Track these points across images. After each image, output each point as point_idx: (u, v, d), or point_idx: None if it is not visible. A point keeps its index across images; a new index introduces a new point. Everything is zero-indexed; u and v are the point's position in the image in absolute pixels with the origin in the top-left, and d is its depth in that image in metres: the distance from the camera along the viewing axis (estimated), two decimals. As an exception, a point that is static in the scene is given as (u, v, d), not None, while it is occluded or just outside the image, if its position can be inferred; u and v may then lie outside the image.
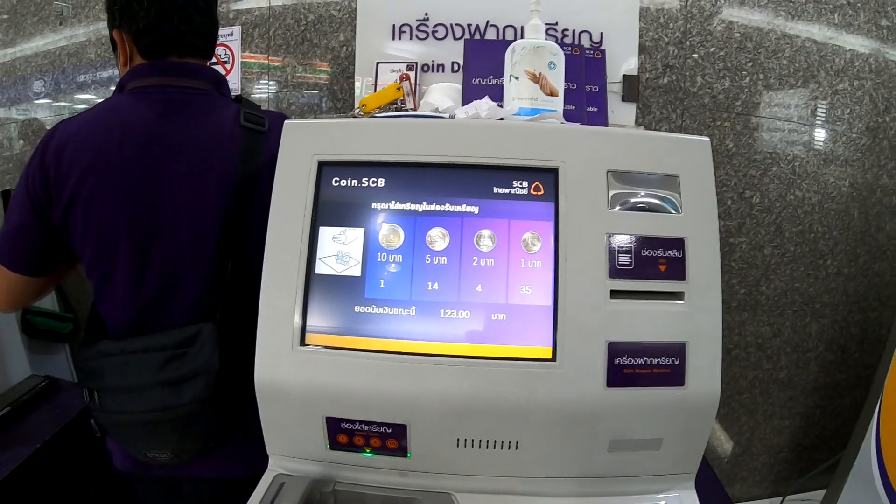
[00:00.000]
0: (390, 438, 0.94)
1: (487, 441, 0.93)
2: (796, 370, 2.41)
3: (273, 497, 0.91)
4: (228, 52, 2.10)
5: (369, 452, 0.96)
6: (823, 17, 2.13)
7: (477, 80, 1.46)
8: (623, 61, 1.66)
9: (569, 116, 1.12)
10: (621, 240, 0.92)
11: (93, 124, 1.13)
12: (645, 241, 0.93)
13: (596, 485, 0.98)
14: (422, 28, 1.69)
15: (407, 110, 1.35)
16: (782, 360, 2.38)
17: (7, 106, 2.34)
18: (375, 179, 0.96)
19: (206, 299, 1.13)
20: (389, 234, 0.94)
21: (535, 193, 0.94)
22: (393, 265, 0.94)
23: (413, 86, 1.37)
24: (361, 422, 0.93)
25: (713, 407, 0.94)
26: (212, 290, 1.13)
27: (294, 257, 0.93)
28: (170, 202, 1.11)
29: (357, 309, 0.93)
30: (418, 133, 0.99)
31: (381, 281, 0.93)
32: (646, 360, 0.90)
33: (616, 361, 0.90)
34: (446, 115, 1.13)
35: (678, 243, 0.93)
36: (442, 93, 1.39)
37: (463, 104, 1.23)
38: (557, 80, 1.11)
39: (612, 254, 0.92)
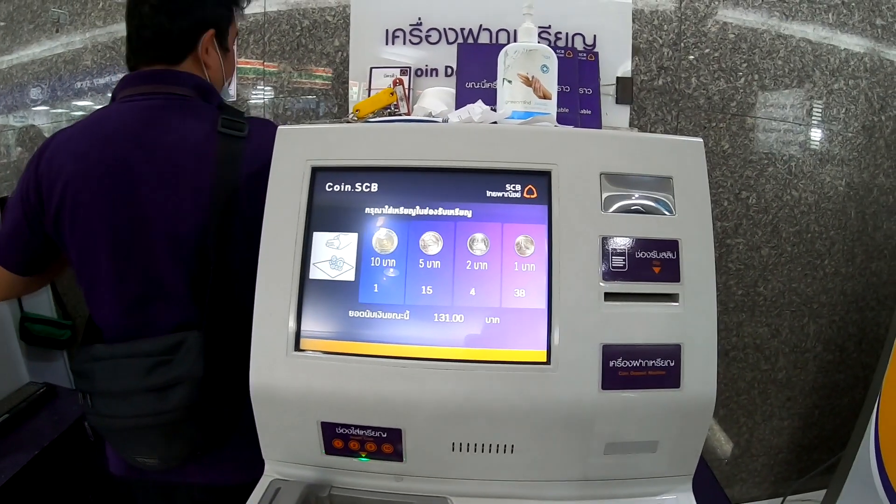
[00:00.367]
0: (385, 443, 0.94)
1: (483, 445, 0.93)
2: (795, 371, 2.41)
3: (269, 502, 0.91)
4: (223, 58, 2.08)
5: (365, 457, 0.95)
6: (818, 17, 2.14)
7: (470, 84, 1.46)
8: (616, 64, 1.66)
9: (562, 119, 1.12)
10: (615, 242, 0.92)
11: (82, 133, 1.15)
12: (639, 243, 0.93)
13: (592, 488, 0.98)
14: (415, 33, 1.69)
15: (400, 115, 1.35)
16: (780, 360, 2.38)
17: (4, 113, 2.34)
18: (369, 184, 0.96)
19: (189, 306, 1.13)
20: (383, 238, 0.94)
21: (528, 196, 0.94)
22: (387, 270, 0.93)
23: (407, 90, 1.38)
24: (357, 426, 0.93)
25: (709, 408, 0.93)
26: (195, 296, 1.13)
27: (288, 262, 0.93)
28: (146, 209, 1.11)
29: (351, 314, 0.92)
30: (411, 137, 0.99)
31: (376, 286, 0.93)
32: (641, 363, 0.90)
33: (611, 364, 0.89)
34: (440, 120, 1.13)
35: (672, 245, 0.93)
36: (435, 97, 1.39)
37: (457, 108, 1.23)
38: (550, 83, 1.11)
39: (606, 256, 0.92)
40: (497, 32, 1.69)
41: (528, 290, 0.92)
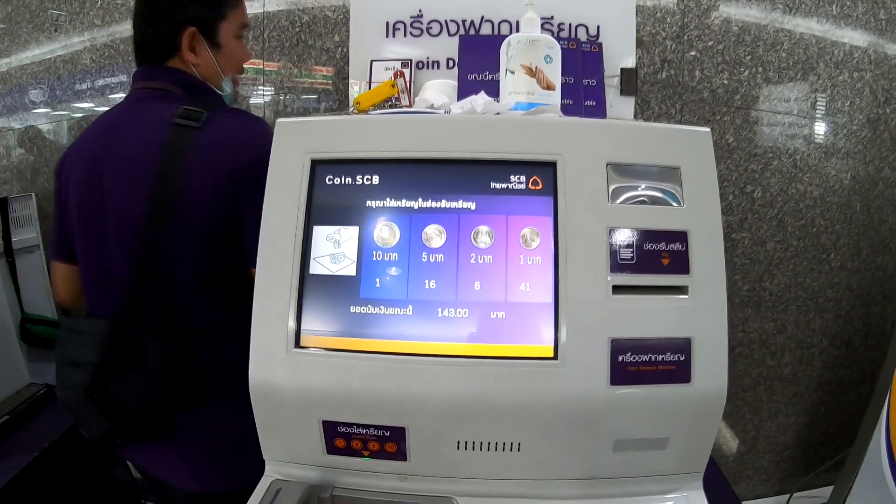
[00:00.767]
0: (389, 442, 0.92)
1: (489, 443, 0.91)
2: (800, 366, 2.40)
3: (269, 503, 0.89)
4: (223, 55, 2.07)
5: (367, 456, 0.94)
6: (821, 9, 2.12)
7: (472, 76, 1.44)
8: (621, 55, 1.63)
9: (567, 111, 1.10)
10: (622, 234, 0.90)
11: (88, 130, 1.25)
12: (647, 235, 0.90)
13: (601, 486, 0.96)
14: (416, 25, 1.67)
15: (402, 108, 1.32)
16: (786, 356, 2.37)
17: (6, 115, 2.34)
18: (370, 177, 0.94)
19: (126, 293, 1.16)
20: (385, 232, 0.92)
21: (533, 188, 0.92)
22: (389, 264, 0.91)
23: (408, 83, 1.35)
24: (359, 425, 0.91)
25: (720, 404, 0.91)
26: (134, 282, 1.16)
27: (288, 257, 0.91)
28: (106, 195, 1.17)
29: (353, 309, 0.90)
30: (413, 129, 0.97)
31: (377, 280, 0.91)
32: (650, 357, 0.88)
33: (620, 359, 0.87)
34: (441, 112, 1.11)
35: (681, 236, 0.91)
36: (437, 89, 1.37)
37: (458, 100, 1.21)
38: (554, 73, 1.09)
39: (614, 248, 0.89)
40: (499, 24, 1.67)
41: (533, 283, 0.89)
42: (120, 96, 2.13)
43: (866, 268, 2.35)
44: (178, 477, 1.25)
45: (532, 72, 1.07)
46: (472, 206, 0.92)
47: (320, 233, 0.93)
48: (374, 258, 0.91)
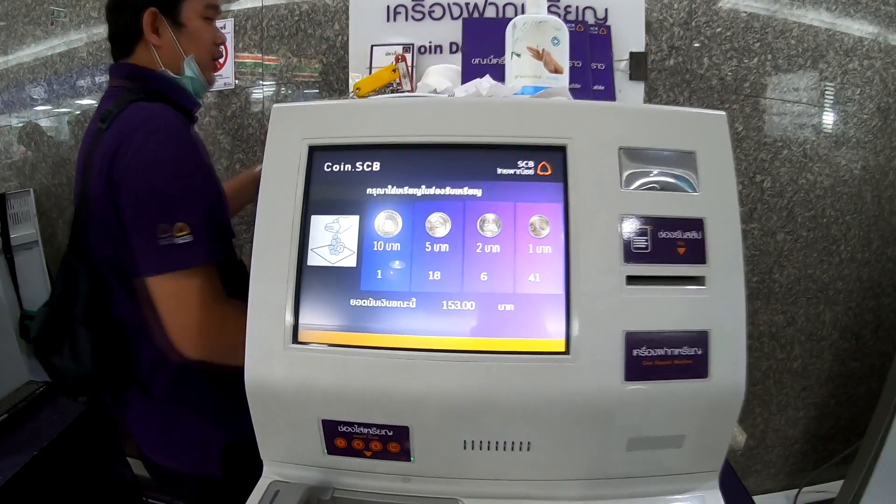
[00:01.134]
0: (392, 441, 0.88)
1: (497, 442, 0.88)
2: (810, 359, 2.37)
3: (268, 505, 0.87)
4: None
5: (370, 457, 0.90)
6: (831, -4, 2.07)
7: (476, 61, 1.40)
8: (629, 38, 1.59)
9: (575, 95, 1.07)
10: (636, 221, 0.86)
11: None
12: (662, 223, 0.86)
13: (613, 486, 0.92)
14: (417, 8, 1.62)
15: (403, 93, 1.28)
16: (796, 349, 2.34)
17: (7, 113, 2.34)
18: (370, 163, 0.90)
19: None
20: (386, 221, 0.88)
21: (542, 174, 0.88)
22: (391, 254, 0.88)
23: (409, 68, 1.31)
24: (360, 424, 0.88)
25: (738, 399, 0.88)
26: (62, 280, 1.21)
27: (284, 248, 0.88)
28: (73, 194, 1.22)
29: (353, 302, 0.87)
30: (415, 113, 0.93)
31: (379, 272, 0.87)
32: (666, 351, 0.84)
33: (634, 353, 0.83)
34: (445, 96, 1.07)
35: (697, 224, 0.87)
36: (440, 74, 1.32)
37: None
38: (562, 56, 1.06)
39: (627, 237, 0.85)
40: (504, 6, 1.62)
41: (543, 274, 0.85)
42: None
43: (877, 259, 2.32)
44: (143, 441, 1.30)
45: (539, 54, 1.04)
46: (478, 193, 0.88)
47: (318, 222, 0.89)
48: (376, 248, 0.88)
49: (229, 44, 2.06)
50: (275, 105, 0.94)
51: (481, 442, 0.88)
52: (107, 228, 1.11)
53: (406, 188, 0.89)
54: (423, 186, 0.89)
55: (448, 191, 0.89)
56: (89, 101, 2.26)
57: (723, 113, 0.92)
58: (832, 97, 2.17)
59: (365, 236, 0.88)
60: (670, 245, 0.86)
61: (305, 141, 0.91)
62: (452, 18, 1.60)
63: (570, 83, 1.10)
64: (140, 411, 1.27)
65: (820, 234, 2.23)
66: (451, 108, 0.94)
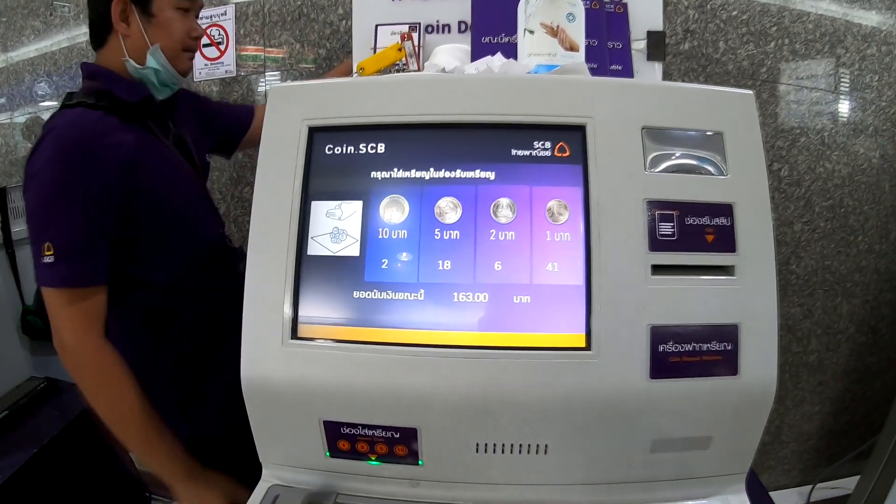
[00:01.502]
0: (399, 444, 0.85)
1: (511, 445, 0.84)
2: (826, 353, 2.33)
3: (267, 511, 0.84)
4: (222, 32, 2.00)
5: (375, 460, 0.87)
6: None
7: (487, 39, 1.34)
8: (647, 17, 1.52)
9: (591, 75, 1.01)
10: (662, 207, 0.82)
11: None
12: (689, 208, 0.82)
13: (636, 491, 0.88)
14: (424, -15, 1.56)
15: (410, 73, 1.23)
16: (812, 342, 2.30)
17: (10, 109, 2.32)
18: (374, 145, 0.86)
19: None
20: (392, 207, 0.85)
21: (559, 155, 0.84)
22: (397, 242, 0.84)
23: (416, 47, 1.25)
24: (364, 426, 0.84)
25: (769, 398, 0.84)
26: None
27: (283, 237, 0.84)
28: None
29: (356, 294, 0.83)
30: (422, 90, 0.88)
31: (384, 261, 0.84)
32: (694, 347, 0.80)
33: (660, 349, 0.79)
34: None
35: (726, 210, 0.83)
36: (448, 54, 1.27)
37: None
38: (577, 33, 1.03)
39: (652, 223, 0.81)
40: (515, -19, 1.56)
41: (562, 263, 0.81)
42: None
43: (895, 251, 2.26)
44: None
45: (553, 31, 1.00)
46: (491, 175, 0.84)
47: (319, 208, 0.86)
48: (381, 236, 0.84)
49: (230, 30, 2.01)
50: (272, 85, 0.89)
51: (495, 444, 0.84)
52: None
53: (413, 171, 0.85)
54: (432, 169, 0.85)
55: (459, 174, 0.85)
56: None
57: (751, 92, 0.88)
58: (850, 83, 2.11)
59: (369, 223, 0.85)
60: (698, 232, 0.82)
61: (305, 122, 0.87)
62: (461, -6, 1.55)
63: (587, 62, 1.05)
64: None
65: (838, 225, 2.18)
66: (462, 85, 0.90)
